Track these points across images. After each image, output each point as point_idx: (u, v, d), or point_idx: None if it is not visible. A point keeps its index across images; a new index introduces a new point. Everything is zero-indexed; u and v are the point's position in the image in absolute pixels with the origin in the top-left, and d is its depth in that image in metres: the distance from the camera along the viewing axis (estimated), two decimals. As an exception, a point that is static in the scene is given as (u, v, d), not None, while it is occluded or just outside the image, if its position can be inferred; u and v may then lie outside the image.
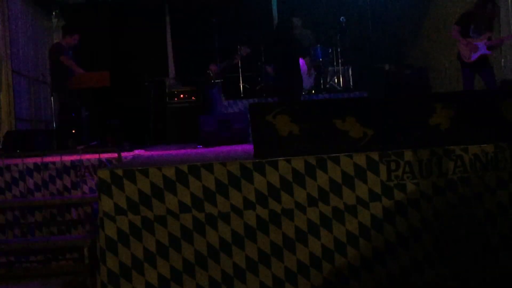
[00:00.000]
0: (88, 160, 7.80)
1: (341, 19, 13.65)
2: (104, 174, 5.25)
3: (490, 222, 5.42)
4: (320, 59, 14.00)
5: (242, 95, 13.66)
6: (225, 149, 8.57)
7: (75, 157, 7.84)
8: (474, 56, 9.71)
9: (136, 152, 9.15)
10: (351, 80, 14.26)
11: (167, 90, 13.35)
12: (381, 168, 5.34)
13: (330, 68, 14.39)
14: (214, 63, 12.52)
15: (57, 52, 11.10)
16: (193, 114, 12.00)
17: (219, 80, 12.52)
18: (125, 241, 5.21)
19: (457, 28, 9.92)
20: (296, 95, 11.09)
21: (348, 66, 14.26)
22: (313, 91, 13.63)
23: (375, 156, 5.35)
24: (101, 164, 7.61)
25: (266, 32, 11.83)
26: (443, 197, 5.37)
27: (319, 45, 14.03)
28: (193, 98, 12.98)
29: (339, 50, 14.22)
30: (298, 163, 5.28)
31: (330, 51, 14.26)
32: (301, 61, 12.59)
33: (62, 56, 10.92)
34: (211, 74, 12.38)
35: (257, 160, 5.31)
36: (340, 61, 14.25)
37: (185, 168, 5.25)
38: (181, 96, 13.06)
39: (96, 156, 7.74)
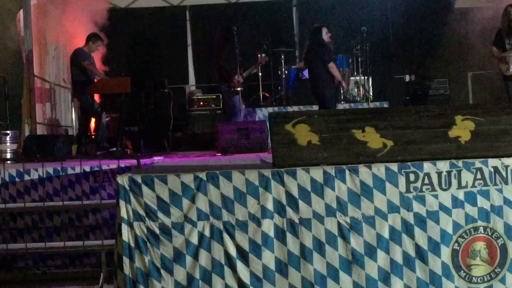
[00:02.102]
0: (107, 166, 7.83)
1: (362, 29, 13.62)
2: (123, 180, 5.27)
3: (510, 236, 5.39)
4: (341, 69, 13.98)
5: (261, 104, 13.66)
6: (243, 157, 8.58)
7: (94, 163, 7.87)
8: None
9: (155, 158, 9.18)
10: (371, 90, 14.22)
11: (187, 98, 13.38)
12: (400, 180, 5.32)
13: (350, 78, 14.37)
14: (237, 73, 12.54)
15: (79, 57, 11.18)
16: (212, 121, 12.02)
17: (239, 88, 12.53)
18: (143, 247, 5.22)
19: (493, 48, 10.07)
20: (322, 104, 11.16)
21: (368, 76, 14.22)
22: (332, 101, 13.60)
23: (394, 167, 5.32)
24: (120, 170, 7.63)
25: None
26: (462, 210, 5.34)
27: (339, 55, 14.01)
28: (213, 105, 13.01)
29: (359, 60, 14.19)
30: (317, 173, 5.27)
31: (350, 61, 14.24)
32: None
33: (84, 62, 10.99)
34: (235, 83, 12.42)
35: (275, 169, 5.30)
36: (360, 71, 14.22)
37: (203, 175, 5.26)
38: (201, 103, 13.09)
39: (115, 162, 7.76)
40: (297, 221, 5.25)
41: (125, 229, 5.23)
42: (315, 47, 11.20)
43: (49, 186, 7.76)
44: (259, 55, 13.14)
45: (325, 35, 11.40)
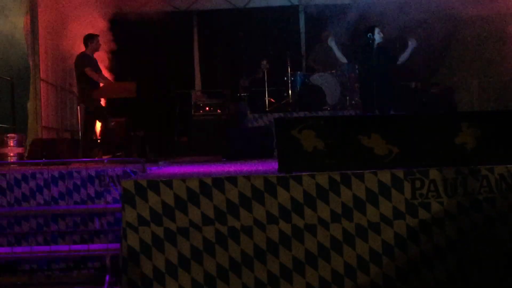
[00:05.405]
0: (113, 170, 7.84)
1: (368, 35, 13.61)
2: (128, 184, 5.27)
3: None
4: (346, 75, 13.98)
5: (267, 109, 13.65)
6: (249, 162, 8.57)
7: (99, 167, 7.88)
8: None
9: (161, 163, 9.18)
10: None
11: (192, 103, 13.38)
12: (405, 186, 5.31)
13: (356, 84, 14.35)
14: (242, 78, 12.57)
15: (81, 63, 11.13)
16: (218, 126, 12.01)
17: (245, 94, 12.54)
18: (148, 252, 5.22)
19: None
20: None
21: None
22: (338, 107, 13.60)
23: (399, 173, 5.32)
24: (125, 174, 7.63)
25: None
26: (468, 217, 5.33)
27: (346, 61, 14.00)
28: (218, 111, 13.01)
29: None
30: (322, 179, 5.27)
31: (357, 67, 14.22)
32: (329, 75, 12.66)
33: (87, 68, 10.92)
34: (240, 87, 12.45)
35: (281, 175, 5.30)
36: (366, 77, 14.17)
37: (209, 180, 5.25)
38: (207, 108, 13.08)
39: (121, 166, 7.77)
40: (302, 227, 5.24)
41: (130, 233, 5.22)
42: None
43: (55, 190, 7.77)
44: (262, 62, 13.17)
45: (377, 34, 11.64)
